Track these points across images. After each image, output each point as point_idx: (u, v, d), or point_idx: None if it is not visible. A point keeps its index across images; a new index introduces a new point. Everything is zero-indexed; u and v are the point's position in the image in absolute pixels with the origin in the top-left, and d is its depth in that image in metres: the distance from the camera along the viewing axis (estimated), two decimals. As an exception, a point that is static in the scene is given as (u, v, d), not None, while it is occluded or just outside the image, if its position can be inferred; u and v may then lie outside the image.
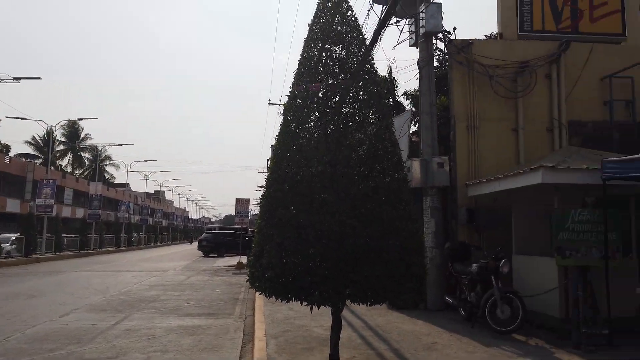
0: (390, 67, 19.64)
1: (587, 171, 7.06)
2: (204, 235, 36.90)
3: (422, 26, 9.84)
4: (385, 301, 5.10)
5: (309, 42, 6.03)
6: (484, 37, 13.23)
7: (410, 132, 12.68)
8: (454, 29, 10.17)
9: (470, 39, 10.38)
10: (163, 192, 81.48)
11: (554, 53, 10.27)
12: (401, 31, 10.58)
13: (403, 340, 6.96)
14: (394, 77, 18.98)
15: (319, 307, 5.09)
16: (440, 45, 10.23)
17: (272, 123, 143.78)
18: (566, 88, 10.24)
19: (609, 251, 6.96)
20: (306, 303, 5.13)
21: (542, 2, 10.72)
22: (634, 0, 11.27)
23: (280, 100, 28.94)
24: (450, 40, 10.21)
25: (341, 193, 5.14)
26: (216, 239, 33.50)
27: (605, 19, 10.89)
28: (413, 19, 10.27)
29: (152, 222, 60.79)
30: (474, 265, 7.88)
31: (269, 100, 74.00)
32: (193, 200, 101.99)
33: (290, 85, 5.91)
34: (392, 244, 5.02)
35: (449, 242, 9.44)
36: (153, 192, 79.42)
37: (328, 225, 4.93)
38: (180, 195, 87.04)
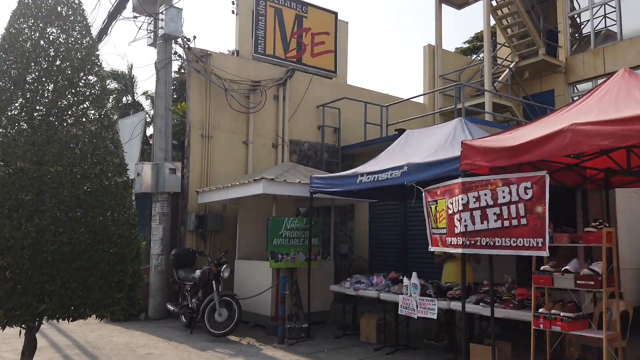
0: (132, 65, 18.46)
1: (300, 185, 8.06)
2: None
3: (162, 27, 9.61)
4: (91, 315, 4.67)
5: (18, 15, 5.14)
6: (228, 52, 13.80)
7: (149, 135, 12.18)
8: (194, 37, 10.31)
9: (209, 51, 10.66)
10: None
11: (281, 77, 11.46)
12: (139, 28, 10.11)
13: (115, 355, 6.52)
14: (134, 75, 17.91)
15: (3, 329, 4.30)
16: (181, 50, 10.17)
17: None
18: (289, 110, 11.54)
19: (312, 254, 8.09)
20: (-11, 324, 4.27)
21: (274, 31, 11.88)
22: (344, 45, 13.60)
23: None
24: (190, 48, 10.27)
25: (46, 195, 4.51)
26: None
27: (323, 56, 12.78)
28: (153, 19, 9.95)
29: None
30: (197, 271, 8.02)
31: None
32: None
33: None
34: (104, 252, 4.65)
35: (176, 249, 9.35)
36: None
37: (23, 232, 4.24)
38: None
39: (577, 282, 4.46)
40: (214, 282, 7.65)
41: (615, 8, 13.77)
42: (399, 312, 6.27)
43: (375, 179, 6.47)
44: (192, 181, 10.13)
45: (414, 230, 8.92)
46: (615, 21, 13.76)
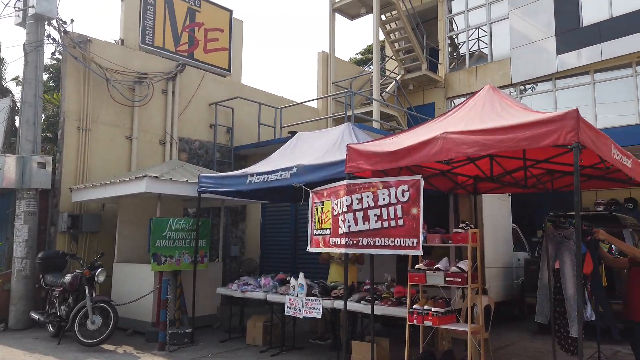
0: (-2, 44, 16.41)
1: (187, 184, 7.74)
2: None
3: (32, 6, 8.66)
4: None
5: None
6: (114, 42, 12.84)
7: (19, 125, 10.85)
8: (72, 20, 9.41)
9: (89, 37, 9.84)
10: None
11: (171, 71, 10.95)
12: (6, 4, 9.01)
13: (-37, 373, 5.70)
14: (2, 57, 15.94)
15: None
16: (55, 34, 9.23)
17: None
18: (180, 106, 11.06)
19: (199, 256, 7.82)
20: None
21: (165, 22, 11.34)
22: (239, 44, 13.41)
23: None
24: (67, 32, 9.38)
25: None
26: None
27: (216, 53, 12.47)
28: (23, -5, 8.93)
29: None
30: (68, 275, 7.31)
31: None
32: None
33: None
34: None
35: (43, 251, 8.44)
36: None
37: None
38: None
39: (447, 279, 4.83)
40: (86, 287, 7.03)
41: (487, 32, 15.31)
42: (285, 313, 6.29)
43: (265, 180, 6.45)
44: (65, 177, 9.24)
45: (304, 231, 9.00)
46: (487, 44, 15.31)
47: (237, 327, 7.79)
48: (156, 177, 7.44)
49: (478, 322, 5.09)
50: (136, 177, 7.50)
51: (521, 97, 14.04)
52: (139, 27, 10.93)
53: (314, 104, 15.10)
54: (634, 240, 7.80)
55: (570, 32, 12.91)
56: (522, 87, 14.22)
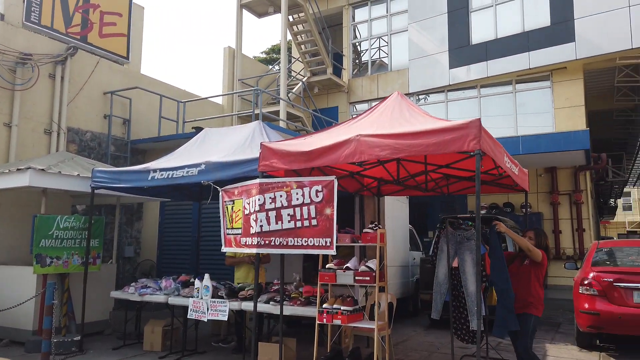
0: None
1: (79, 178, 7.07)
2: None
3: None
4: None
5: None
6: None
7: None
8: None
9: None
10: None
11: (60, 54, 9.95)
12: None
13: None
14: None
15: None
16: None
17: None
18: (70, 93, 10.10)
19: (91, 257, 7.19)
20: None
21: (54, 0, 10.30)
22: (139, 31, 12.61)
23: None
24: None
25: None
26: None
27: (113, 38, 11.60)
28: None
29: None
30: None
31: None
32: None
33: None
34: None
35: None
36: None
37: None
38: None
39: (356, 278, 4.94)
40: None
41: (387, 43, 16.08)
42: (188, 316, 6.01)
43: (170, 176, 6.11)
44: None
45: (208, 230, 8.72)
46: (387, 54, 16.08)
47: (133, 333, 7.29)
48: (42, 169, 6.70)
49: (383, 319, 5.28)
50: (18, 169, 6.69)
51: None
52: (23, 2, 9.79)
53: (219, 100, 14.70)
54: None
55: (461, 48, 14.04)
56: (418, 97, 15.15)
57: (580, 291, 6.64)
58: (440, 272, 5.70)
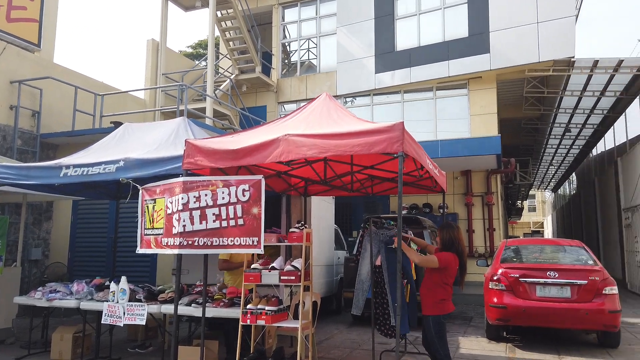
0: None
1: (-22, 173, 6.42)
2: None
3: None
4: None
5: None
6: None
7: None
8: None
9: None
10: None
11: (-41, 37, 9.02)
12: None
13: None
14: None
15: None
16: None
17: None
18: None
19: (-9, 260, 6.57)
20: None
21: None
22: (52, 17, 11.73)
23: None
24: None
25: None
26: None
27: (23, 23, 10.71)
28: None
29: None
30: None
31: None
32: None
33: None
34: None
35: None
36: None
37: None
38: None
39: (282, 277, 4.93)
40: None
41: (316, 45, 16.24)
42: (102, 321, 5.67)
43: (85, 173, 5.72)
44: None
45: (126, 231, 8.28)
46: (316, 56, 16.24)
47: (39, 342, 6.76)
48: None
49: (307, 318, 5.32)
50: None
51: (345, 108, 15.23)
52: None
53: (140, 95, 14.05)
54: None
55: (387, 54, 14.51)
56: (345, 99, 15.45)
57: (490, 286, 7.10)
58: (363, 270, 5.85)
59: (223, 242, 4.69)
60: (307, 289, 5.33)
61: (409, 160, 4.95)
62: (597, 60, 12.49)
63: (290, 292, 6.62)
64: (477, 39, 13.22)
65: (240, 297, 5.14)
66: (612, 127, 17.50)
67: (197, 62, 19.86)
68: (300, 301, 4.97)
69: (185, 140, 4.99)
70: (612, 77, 13.13)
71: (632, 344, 7.22)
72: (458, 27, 13.71)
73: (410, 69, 14.09)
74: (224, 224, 4.69)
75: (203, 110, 12.61)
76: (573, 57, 12.23)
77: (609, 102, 15.43)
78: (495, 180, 13.68)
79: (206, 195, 4.76)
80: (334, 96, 15.01)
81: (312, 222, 8.27)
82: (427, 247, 5.10)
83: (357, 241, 7.31)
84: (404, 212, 13.82)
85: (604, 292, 6.57)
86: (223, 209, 4.70)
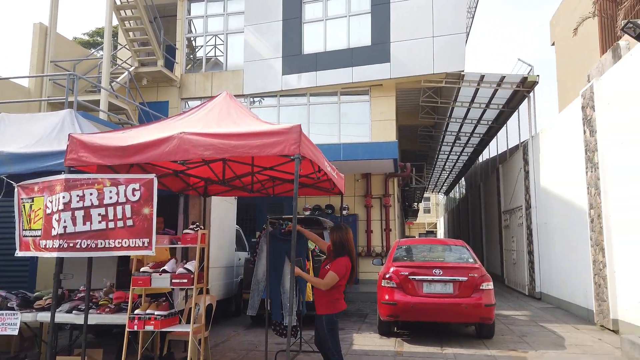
0: None
1: None
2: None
3: None
4: None
5: None
6: None
7: None
8: None
9: None
10: None
11: None
12: None
13: None
14: None
15: None
16: None
17: None
18: None
19: None
20: None
21: None
22: None
23: None
24: None
25: None
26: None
27: None
28: None
29: None
30: None
31: None
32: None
33: None
34: None
35: None
36: None
37: None
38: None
39: (173, 281, 4.77)
40: None
41: (223, 41, 15.95)
42: (-34, 333, 5.07)
43: (-52, 167, 5.09)
44: None
45: (3, 232, 7.49)
46: (223, 53, 15.95)
47: None
48: None
49: (200, 321, 5.20)
50: None
51: (251, 108, 15.14)
52: None
53: (24, 83, 12.79)
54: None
55: (294, 56, 14.66)
56: (252, 99, 15.35)
57: (383, 284, 7.47)
58: (260, 270, 5.85)
59: (109, 244, 4.43)
60: (203, 291, 5.21)
61: (307, 163, 5.06)
62: (484, 75, 13.67)
63: (185, 296, 6.43)
64: (379, 48, 13.83)
65: (128, 302, 4.89)
66: (495, 137, 19.25)
67: (93, 50, 18.55)
68: (193, 304, 4.84)
69: (69, 135, 4.65)
70: (495, 91, 14.45)
71: (504, 335, 7.99)
72: (362, 35, 14.24)
73: (317, 73, 14.36)
74: (111, 225, 4.43)
75: (97, 103, 11.81)
76: (463, 71, 13.27)
77: (493, 114, 16.96)
78: (392, 183, 14.40)
79: (91, 194, 4.47)
80: (241, 95, 14.86)
81: (212, 222, 8.11)
82: (318, 242, 5.20)
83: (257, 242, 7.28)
84: (307, 212, 14.04)
85: (481, 287, 7.20)
86: (110, 209, 4.44)
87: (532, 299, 12.76)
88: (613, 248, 8.20)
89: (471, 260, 7.77)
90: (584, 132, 9.29)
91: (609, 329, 8.18)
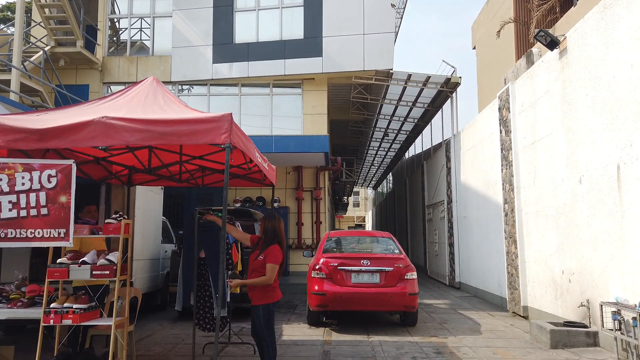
0: None
1: None
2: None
3: None
4: None
5: None
6: None
7: None
8: None
9: None
10: None
11: None
12: None
13: None
14: None
15: None
16: None
17: None
18: None
19: None
20: None
21: None
22: None
23: None
24: None
25: None
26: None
27: None
28: None
29: None
30: None
31: None
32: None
33: None
34: None
35: None
36: None
37: None
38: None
39: (94, 272, 4.52)
40: None
41: (150, 25, 15.25)
42: None
43: None
44: None
45: None
46: (149, 37, 15.25)
47: None
48: None
49: (123, 314, 4.98)
50: None
51: (179, 96, 14.63)
52: None
53: None
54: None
55: (225, 45, 14.34)
56: (180, 87, 14.84)
57: (312, 275, 7.56)
58: (186, 263, 5.70)
59: (22, 234, 4.11)
60: (125, 284, 4.99)
61: (238, 153, 4.97)
62: (411, 75, 14.18)
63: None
64: (311, 42, 13.89)
65: (43, 295, 4.57)
66: (421, 135, 20.07)
67: (3, 26, 17.00)
68: (116, 297, 4.63)
69: (-25, 115, 4.24)
70: (421, 90, 15.04)
71: (427, 322, 8.40)
72: (294, 28, 14.22)
73: (249, 63, 14.16)
74: (23, 213, 4.11)
75: (8, 83, 10.87)
76: (392, 69, 13.67)
77: (419, 112, 17.66)
78: (323, 177, 14.58)
79: (1, 180, 4.11)
80: (168, 82, 14.31)
81: (136, 213, 7.78)
82: (235, 233, 5.11)
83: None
84: (237, 204, 13.85)
85: (406, 277, 7.51)
86: (23, 196, 4.12)
87: (452, 289, 13.50)
88: (524, 240, 8.88)
89: (397, 251, 8.07)
90: (500, 131, 9.94)
91: (520, 315, 8.85)
